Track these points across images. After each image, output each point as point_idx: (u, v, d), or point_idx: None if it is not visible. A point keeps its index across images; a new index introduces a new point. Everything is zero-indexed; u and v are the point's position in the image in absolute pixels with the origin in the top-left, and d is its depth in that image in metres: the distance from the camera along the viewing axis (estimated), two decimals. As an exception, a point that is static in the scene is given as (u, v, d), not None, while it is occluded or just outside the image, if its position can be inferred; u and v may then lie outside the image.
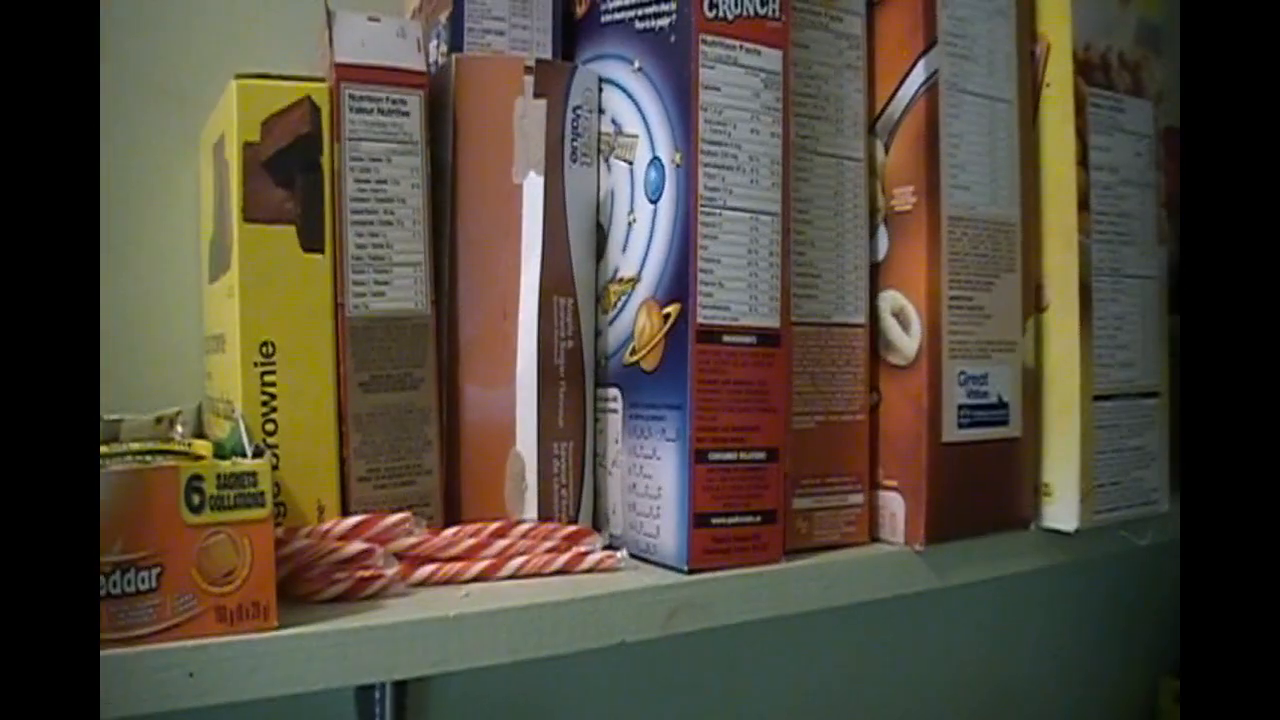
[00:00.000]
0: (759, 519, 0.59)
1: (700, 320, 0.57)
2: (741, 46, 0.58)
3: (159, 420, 0.64)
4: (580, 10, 0.66)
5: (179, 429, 0.65)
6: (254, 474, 0.47)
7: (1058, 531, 0.69)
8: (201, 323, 0.69)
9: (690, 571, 0.57)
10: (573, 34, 0.67)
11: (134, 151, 0.70)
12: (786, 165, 0.60)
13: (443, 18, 0.65)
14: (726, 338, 0.57)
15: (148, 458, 0.51)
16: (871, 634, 0.98)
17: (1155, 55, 0.74)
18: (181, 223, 0.70)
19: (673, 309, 0.58)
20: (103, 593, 0.44)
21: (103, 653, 0.44)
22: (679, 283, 0.57)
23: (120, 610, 0.45)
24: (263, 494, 0.47)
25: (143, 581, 0.45)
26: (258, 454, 0.48)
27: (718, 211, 0.57)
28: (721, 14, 0.58)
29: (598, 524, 0.62)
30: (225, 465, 0.47)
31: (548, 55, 0.65)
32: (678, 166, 0.58)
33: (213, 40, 0.72)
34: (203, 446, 0.55)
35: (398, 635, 0.49)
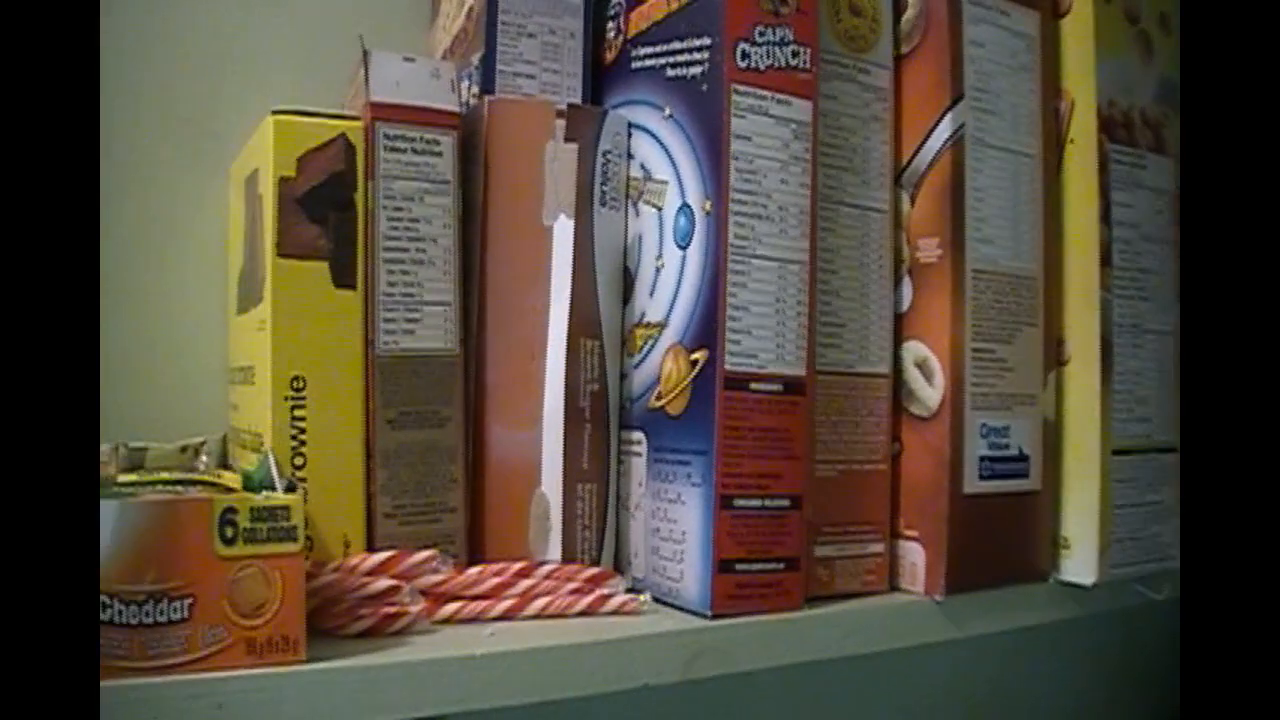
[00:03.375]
0: (781, 566, 0.59)
1: (728, 367, 0.57)
2: (772, 97, 0.59)
3: (184, 449, 0.65)
4: (609, 56, 0.67)
5: (203, 458, 0.65)
6: (287, 508, 0.47)
7: (1075, 585, 0.69)
8: (226, 353, 0.69)
9: (713, 617, 0.57)
10: (600, 79, 0.68)
11: (162, 182, 0.70)
12: (814, 215, 0.60)
13: (474, 60, 0.66)
14: (753, 385, 0.58)
15: (179, 488, 0.51)
16: (884, 681, 0.98)
17: (1176, 113, 0.74)
18: (208, 253, 0.71)
19: (700, 355, 0.58)
20: (135, 622, 0.45)
21: (134, 681, 0.44)
22: (707, 329, 0.58)
23: (152, 640, 0.45)
24: (295, 528, 0.47)
25: (175, 612, 0.45)
26: (290, 488, 0.48)
27: (747, 260, 0.58)
28: (753, 64, 0.58)
29: (619, 566, 0.63)
30: (259, 498, 0.47)
31: (577, 100, 0.66)
32: (707, 214, 0.58)
33: (241, 74, 0.72)
34: (231, 478, 0.55)
35: (423, 672, 0.49)
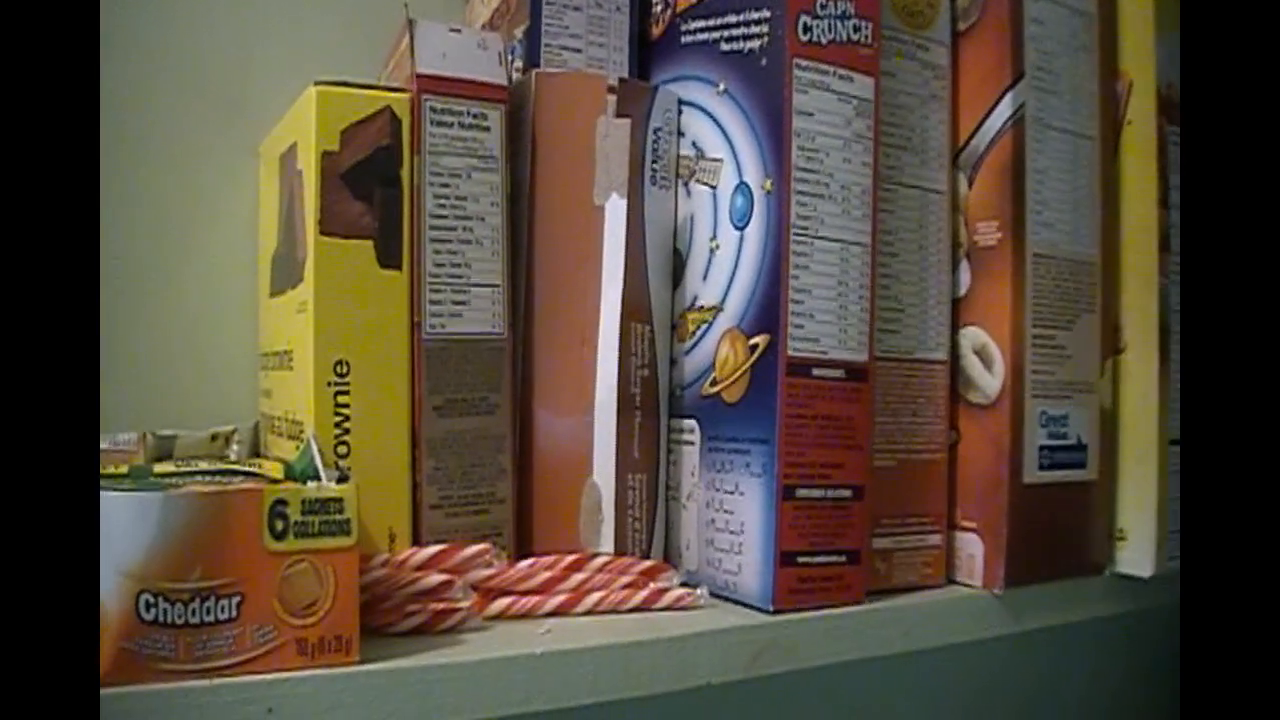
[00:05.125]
0: (844, 558, 0.57)
1: (790, 352, 0.55)
2: (834, 72, 0.57)
3: (214, 437, 0.62)
4: (656, 31, 0.65)
5: (234, 447, 0.63)
6: (341, 500, 0.45)
7: (1132, 577, 0.67)
8: (256, 338, 0.67)
9: (774, 612, 0.55)
10: (646, 54, 0.65)
11: (191, 160, 0.68)
12: (875, 195, 0.58)
13: (519, 33, 0.63)
14: (816, 371, 0.56)
15: (221, 478, 0.49)
16: (907, 671, 0.96)
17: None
18: (237, 233, 0.68)
19: (760, 340, 0.56)
20: (181, 621, 0.42)
21: (180, 684, 0.42)
22: (768, 313, 0.55)
23: (199, 640, 0.42)
24: (349, 521, 0.45)
25: (222, 610, 0.43)
26: (342, 479, 0.46)
27: (809, 241, 0.56)
28: (815, 38, 0.56)
29: (670, 558, 0.60)
30: (310, 490, 0.44)
31: (624, 75, 0.64)
32: (768, 193, 0.56)
33: (271, 47, 0.70)
34: (273, 467, 0.52)
35: (482, 673, 0.47)
